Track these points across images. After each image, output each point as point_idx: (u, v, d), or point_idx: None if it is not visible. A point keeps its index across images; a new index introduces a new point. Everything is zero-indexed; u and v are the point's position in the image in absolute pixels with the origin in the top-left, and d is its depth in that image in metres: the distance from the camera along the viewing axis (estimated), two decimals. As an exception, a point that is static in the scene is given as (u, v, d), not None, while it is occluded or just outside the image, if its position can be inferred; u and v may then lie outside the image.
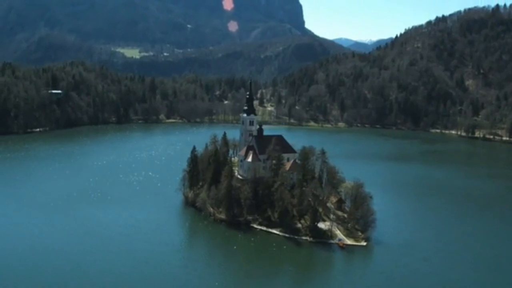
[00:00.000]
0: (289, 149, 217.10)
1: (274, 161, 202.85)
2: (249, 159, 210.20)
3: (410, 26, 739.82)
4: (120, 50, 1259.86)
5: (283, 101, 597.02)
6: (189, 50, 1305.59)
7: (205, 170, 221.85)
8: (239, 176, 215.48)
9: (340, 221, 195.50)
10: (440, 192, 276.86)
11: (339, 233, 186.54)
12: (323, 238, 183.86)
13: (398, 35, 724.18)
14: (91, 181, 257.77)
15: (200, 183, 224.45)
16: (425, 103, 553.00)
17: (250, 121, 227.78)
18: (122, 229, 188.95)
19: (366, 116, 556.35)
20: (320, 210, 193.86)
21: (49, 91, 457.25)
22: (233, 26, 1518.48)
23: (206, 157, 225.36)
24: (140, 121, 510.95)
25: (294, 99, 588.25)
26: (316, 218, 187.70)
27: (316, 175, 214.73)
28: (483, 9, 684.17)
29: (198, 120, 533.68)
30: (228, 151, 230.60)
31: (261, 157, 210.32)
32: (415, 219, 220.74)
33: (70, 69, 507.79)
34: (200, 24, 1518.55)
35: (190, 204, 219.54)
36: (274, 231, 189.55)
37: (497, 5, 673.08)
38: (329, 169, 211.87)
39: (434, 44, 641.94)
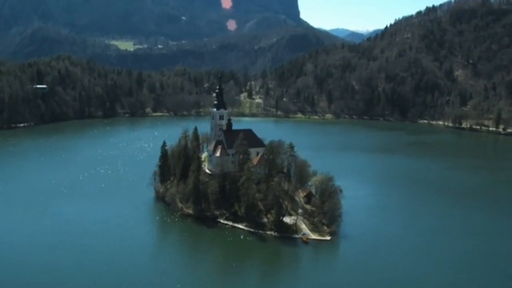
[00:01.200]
0: (258, 143, 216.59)
1: (241, 156, 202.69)
2: (217, 153, 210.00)
3: (401, 17, 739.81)
4: (115, 42, 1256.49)
5: (272, 93, 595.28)
6: (183, 42, 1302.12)
7: (175, 165, 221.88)
8: (207, 171, 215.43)
9: (307, 215, 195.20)
10: (418, 184, 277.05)
11: (304, 228, 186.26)
12: (287, 232, 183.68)
13: (389, 25, 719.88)
14: (67, 176, 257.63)
15: (172, 178, 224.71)
16: (413, 94, 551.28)
17: (219, 116, 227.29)
18: (90, 224, 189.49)
19: (353, 107, 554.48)
20: (286, 204, 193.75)
21: (34, 86, 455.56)
22: (232, 25, 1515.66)
23: (177, 152, 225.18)
24: (126, 115, 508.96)
25: (282, 91, 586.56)
26: (281, 212, 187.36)
27: (285, 169, 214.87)
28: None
29: (185, 113, 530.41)
30: (198, 145, 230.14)
31: (230, 151, 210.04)
32: (388, 212, 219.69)
33: (56, 64, 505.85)
34: (195, 16, 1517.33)
35: (161, 199, 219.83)
36: (240, 225, 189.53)
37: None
38: (297, 163, 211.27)
39: (424, 35, 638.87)
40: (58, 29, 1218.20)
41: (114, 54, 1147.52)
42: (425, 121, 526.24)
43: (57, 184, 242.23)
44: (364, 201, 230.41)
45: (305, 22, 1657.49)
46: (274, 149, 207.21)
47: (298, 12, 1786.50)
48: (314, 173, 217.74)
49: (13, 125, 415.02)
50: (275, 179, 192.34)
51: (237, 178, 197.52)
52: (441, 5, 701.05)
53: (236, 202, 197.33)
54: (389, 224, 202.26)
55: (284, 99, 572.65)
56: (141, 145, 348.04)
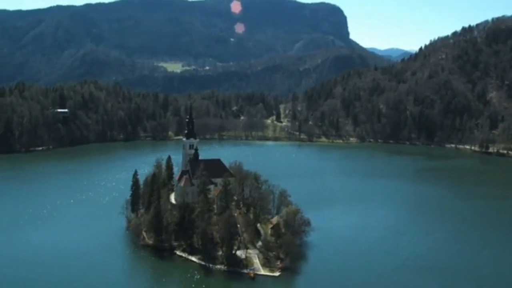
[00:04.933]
0: (226, 173, 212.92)
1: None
2: (182, 183, 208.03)
3: (436, 37, 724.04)
4: (163, 64, 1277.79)
5: (298, 116, 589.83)
6: (230, 63, 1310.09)
7: (144, 194, 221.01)
8: (173, 201, 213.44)
9: (265, 249, 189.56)
10: (416, 213, 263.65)
11: (256, 262, 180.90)
12: (238, 267, 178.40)
13: (423, 46, 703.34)
14: (53, 202, 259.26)
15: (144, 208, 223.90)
16: (441, 117, 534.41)
17: (190, 145, 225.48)
18: (50, 251, 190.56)
19: (379, 131, 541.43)
20: (244, 237, 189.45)
21: (55, 110, 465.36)
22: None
23: (149, 181, 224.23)
24: (148, 138, 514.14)
25: (307, 114, 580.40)
26: (232, 245, 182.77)
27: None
28: (510, 19, 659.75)
29: (208, 137, 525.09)
30: (171, 175, 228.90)
31: (195, 181, 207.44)
32: (361, 246, 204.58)
33: (80, 88, 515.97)
34: (243, 38, 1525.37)
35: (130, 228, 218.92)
36: (193, 258, 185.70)
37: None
38: (260, 194, 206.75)
39: (458, 55, 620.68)
40: (108, 51, 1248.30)
41: (161, 76, 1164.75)
42: (452, 145, 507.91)
43: (38, 210, 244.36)
44: (340, 234, 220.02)
45: (354, 43, 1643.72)
46: (238, 179, 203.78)
47: (347, 33, 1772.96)
48: (290, 203, 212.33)
49: (31, 148, 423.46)
50: (227, 211, 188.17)
51: (195, 209, 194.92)
52: (477, 25, 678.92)
53: (194, 234, 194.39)
54: (354, 260, 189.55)
55: (310, 122, 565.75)
56: (142, 171, 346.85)
